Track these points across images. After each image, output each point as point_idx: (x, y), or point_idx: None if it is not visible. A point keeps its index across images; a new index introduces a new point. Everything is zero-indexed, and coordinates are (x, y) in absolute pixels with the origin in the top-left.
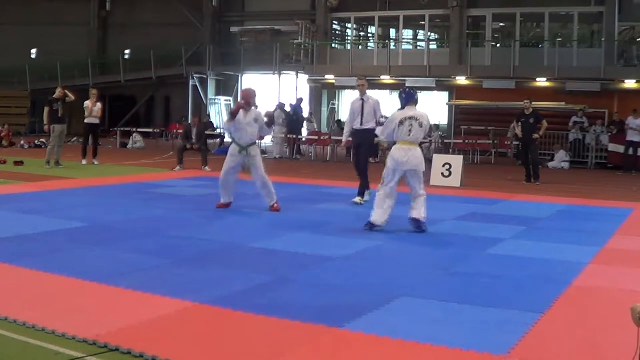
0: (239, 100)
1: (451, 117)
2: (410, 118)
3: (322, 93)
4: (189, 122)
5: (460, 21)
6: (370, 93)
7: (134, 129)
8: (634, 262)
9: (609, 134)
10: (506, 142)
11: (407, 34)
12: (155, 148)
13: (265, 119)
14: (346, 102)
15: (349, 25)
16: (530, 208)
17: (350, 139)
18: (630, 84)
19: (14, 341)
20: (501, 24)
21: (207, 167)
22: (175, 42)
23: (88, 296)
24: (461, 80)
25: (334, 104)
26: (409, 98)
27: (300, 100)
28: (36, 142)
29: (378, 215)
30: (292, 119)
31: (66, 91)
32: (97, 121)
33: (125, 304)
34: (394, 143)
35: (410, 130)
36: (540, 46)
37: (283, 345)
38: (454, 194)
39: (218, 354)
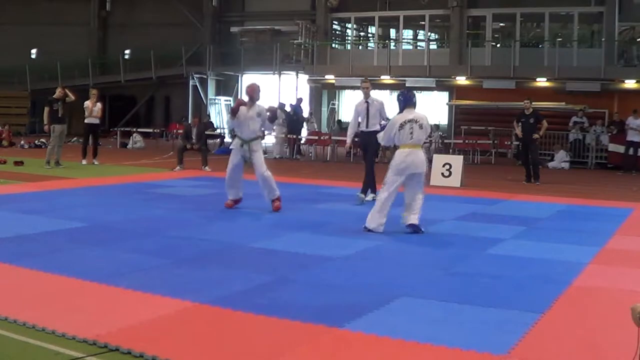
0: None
1: (451, 117)
2: (410, 121)
3: (322, 93)
4: (189, 122)
5: (460, 21)
6: (371, 93)
7: (134, 129)
8: (634, 262)
9: (609, 134)
10: (506, 142)
11: (407, 34)
12: (155, 148)
13: (268, 114)
14: (346, 102)
15: (349, 25)
16: (530, 208)
17: (352, 141)
18: (630, 84)
19: (14, 341)
20: (501, 24)
21: (207, 167)
22: (175, 42)
23: (88, 296)
24: (461, 80)
25: (334, 104)
26: (406, 101)
27: (300, 100)
28: (36, 142)
29: (375, 220)
30: (292, 119)
31: (66, 90)
32: (97, 121)
33: (125, 304)
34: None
35: (411, 133)
36: (540, 46)
37: (283, 345)
38: (454, 194)
39: (218, 354)
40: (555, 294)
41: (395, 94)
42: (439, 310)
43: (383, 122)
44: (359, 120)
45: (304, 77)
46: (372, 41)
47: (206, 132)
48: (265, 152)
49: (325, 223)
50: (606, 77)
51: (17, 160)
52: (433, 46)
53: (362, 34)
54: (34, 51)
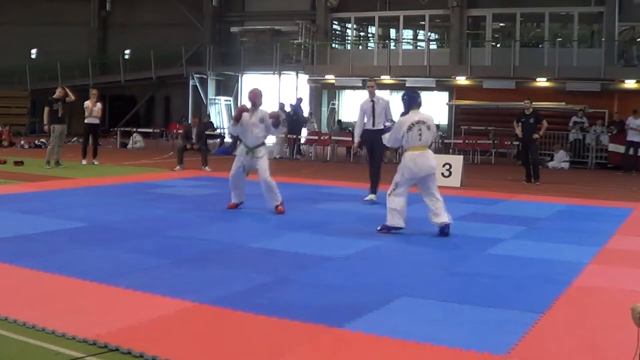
0: (239, 100)
1: (451, 117)
2: (418, 122)
3: (322, 93)
4: (189, 122)
5: (460, 21)
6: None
7: (134, 129)
8: (634, 262)
9: (609, 134)
10: (506, 142)
11: (407, 34)
12: (155, 148)
13: (271, 120)
14: (346, 102)
15: (349, 25)
16: (530, 208)
17: (360, 140)
18: (630, 84)
19: (14, 341)
20: (501, 24)
21: (207, 167)
22: (175, 42)
23: (88, 296)
24: (461, 80)
25: (334, 104)
26: (411, 101)
27: (300, 100)
28: (36, 142)
29: (396, 220)
30: (292, 119)
31: (67, 90)
32: (97, 121)
33: (125, 304)
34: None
35: (420, 135)
36: (540, 46)
37: (283, 345)
38: (454, 194)
39: (218, 354)
40: (555, 294)
41: (395, 94)
42: (439, 310)
43: (388, 124)
44: (365, 119)
45: (304, 77)
46: (372, 41)
47: (206, 132)
48: None
49: (325, 223)
50: (606, 77)
51: (17, 160)
52: (433, 46)
53: (362, 34)
54: (34, 51)
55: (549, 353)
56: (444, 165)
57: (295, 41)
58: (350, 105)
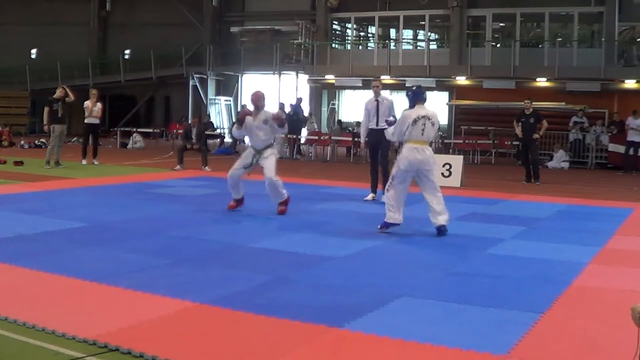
0: (239, 100)
1: (451, 117)
2: (423, 117)
3: (322, 93)
4: (189, 122)
5: (460, 21)
6: (370, 93)
7: (134, 129)
8: (634, 262)
9: (609, 134)
10: (506, 142)
11: (407, 34)
12: (155, 148)
13: (276, 122)
14: (346, 102)
15: (349, 25)
16: (530, 208)
17: (367, 139)
18: (630, 84)
19: (14, 341)
20: (501, 24)
21: (207, 167)
22: (175, 42)
23: (88, 296)
24: (461, 80)
25: (334, 104)
26: (416, 97)
27: (299, 100)
28: (36, 142)
29: (396, 215)
30: (292, 119)
31: (67, 90)
32: (97, 121)
33: (125, 304)
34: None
35: (423, 130)
36: (540, 46)
37: (283, 345)
38: (454, 194)
39: (218, 354)
40: (555, 294)
41: (395, 94)
42: (439, 310)
43: (390, 119)
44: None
45: (304, 77)
46: (372, 41)
47: (206, 132)
48: None
49: (325, 223)
50: (606, 77)
51: (17, 160)
52: (433, 46)
53: (362, 34)
54: (34, 51)
55: (549, 353)
56: (444, 165)
57: (295, 41)
58: (350, 105)
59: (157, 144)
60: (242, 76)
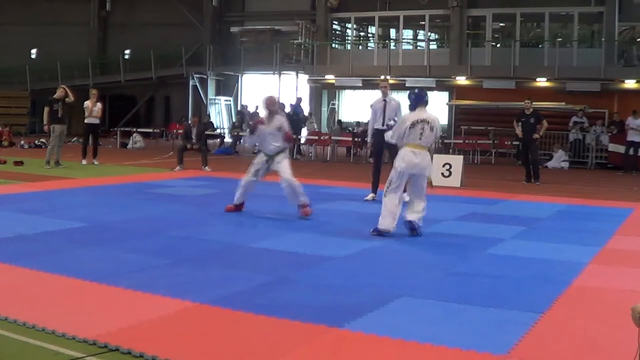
0: (239, 100)
1: (451, 117)
2: (422, 121)
3: (322, 93)
4: (189, 122)
5: (460, 21)
6: (370, 93)
7: (134, 129)
8: (634, 262)
9: (609, 134)
10: (506, 142)
11: (407, 34)
12: (155, 148)
13: (285, 139)
14: (346, 102)
15: (349, 25)
16: (530, 208)
17: (373, 140)
18: (630, 84)
19: (14, 341)
20: (501, 24)
21: (207, 167)
22: (175, 42)
23: (88, 296)
24: (461, 80)
25: (334, 104)
26: (418, 99)
27: (299, 100)
28: (36, 142)
29: (388, 223)
30: (292, 119)
31: (67, 90)
32: (97, 121)
33: (125, 304)
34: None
35: (421, 134)
36: (540, 46)
37: (283, 345)
38: (454, 194)
39: (218, 354)
40: (555, 294)
41: (395, 94)
42: (439, 310)
43: (390, 122)
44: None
45: (304, 77)
46: (372, 41)
47: (206, 132)
48: None
49: (325, 223)
50: (606, 77)
51: (17, 160)
52: (433, 46)
53: (362, 34)
54: (34, 51)
55: (549, 353)
56: (444, 165)
57: (295, 41)
58: (350, 106)
59: (157, 144)
60: (242, 76)
